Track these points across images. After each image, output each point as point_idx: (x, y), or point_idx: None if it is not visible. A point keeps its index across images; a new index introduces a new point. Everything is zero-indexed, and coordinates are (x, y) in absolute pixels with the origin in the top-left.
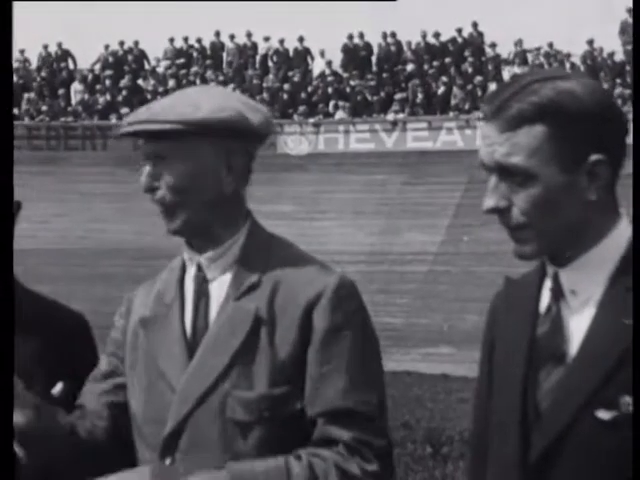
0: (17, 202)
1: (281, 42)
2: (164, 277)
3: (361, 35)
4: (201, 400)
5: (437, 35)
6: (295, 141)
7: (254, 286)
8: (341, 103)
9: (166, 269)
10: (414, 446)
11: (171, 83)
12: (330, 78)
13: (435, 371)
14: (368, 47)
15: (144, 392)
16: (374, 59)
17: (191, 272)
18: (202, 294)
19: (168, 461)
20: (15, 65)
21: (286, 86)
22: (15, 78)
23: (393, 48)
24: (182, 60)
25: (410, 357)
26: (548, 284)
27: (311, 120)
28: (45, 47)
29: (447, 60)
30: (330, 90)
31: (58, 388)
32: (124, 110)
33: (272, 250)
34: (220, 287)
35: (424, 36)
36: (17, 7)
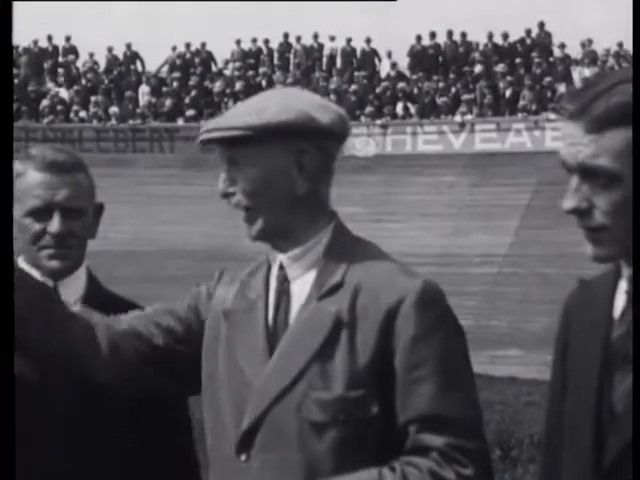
0: (100, 203)
1: (348, 41)
2: (249, 272)
3: (432, 35)
4: (278, 398)
5: (505, 36)
6: (362, 143)
7: (336, 287)
8: (409, 104)
9: (252, 264)
10: None
11: (238, 85)
12: (401, 84)
13: (504, 374)
14: (437, 47)
15: (225, 386)
16: (441, 60)
17: (274, 271)
18: (283, 293)
19: (243, 457)
20: (83, 68)
21: (353, 87)
22: (83, 81)
23: (461, 49)
24: (251, 61)
25: (479, 360)
26: (624, 286)
27: (378, 122)
28: (110, 50)
29: (516, 61)
30: (398, 92)
31: None
32: (190, 112)
33: (356, 252)
34: (302, 286)
35: (490, 37)
36: (84, 8)
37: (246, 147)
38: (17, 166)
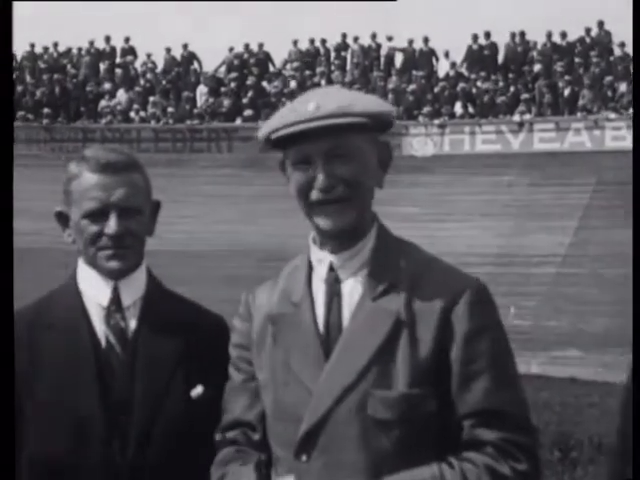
0: (156, 201)
1: (410, 42)
2: (287, 275)
3: (487, 35)
4: (340, 399)
5: (564, 35)
6: (420, 142)
7: (391, 287)
8: (467, 104)
9: (287, 268)
10: (543, 450)
11: (292, 84)
12: (461, 82)
13: (563, 374)
14: (493, 47)
15: (273, 391)
16: (499, 59)
17: (321, 272)
18: (334, 294)
19: (304, 458)
20: (142, 69)
21: (411, 87)
22: (142, 81)
23: (519, 48)
24: (308, 60)
25: (538, 360)
26: None
27: (436, 121)
28: (168, 50)
29: (575, 60)
30: (456, 91)
31: (198, 390)
32: (248, 112)
33: (403, 252)
34: (353, 287)
35: (549, 36)
36: (143, 8)
37: (345, 138)
38: (72, 168)
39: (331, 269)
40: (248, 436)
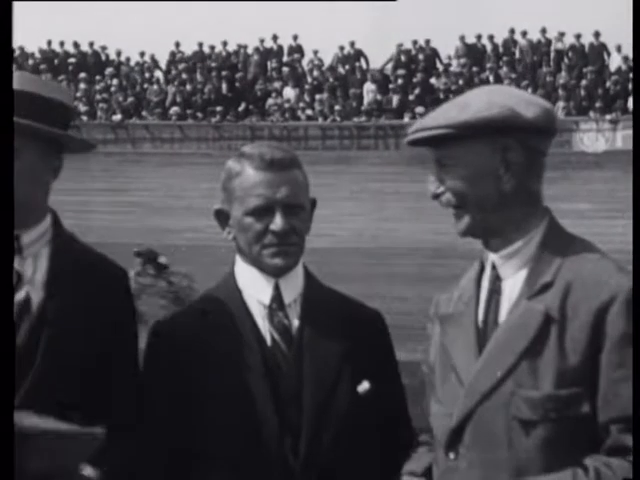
0: (313, 199)
1: (577, 37)
2: (467, 275)
3: None
4: (486, 396)
5: None
6: (591, 138)
7: (547, 286)
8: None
9: (471, 268)
10: None
11: (460, 81)
12: (631, 74)
13: None
14: None
15: (440, 387)
16: None
17: (487, 270)
18: (495, 292)
19: (452, 456)
20: (308, 67)
21: (583, 82)
22: (309, 79)
23: None
24: (476, 56)
25: None
26: None
27: (608, 117)
28: (342, 48)
29: None
30: (629, 86)
31: (365, 386)
32: (418, 109)
33: (568, 250)
34: (513, 285)
35: None
36: (310, 7)
37: (451, 146)
38: (232, 166)
39: (493, 267)
40: None
